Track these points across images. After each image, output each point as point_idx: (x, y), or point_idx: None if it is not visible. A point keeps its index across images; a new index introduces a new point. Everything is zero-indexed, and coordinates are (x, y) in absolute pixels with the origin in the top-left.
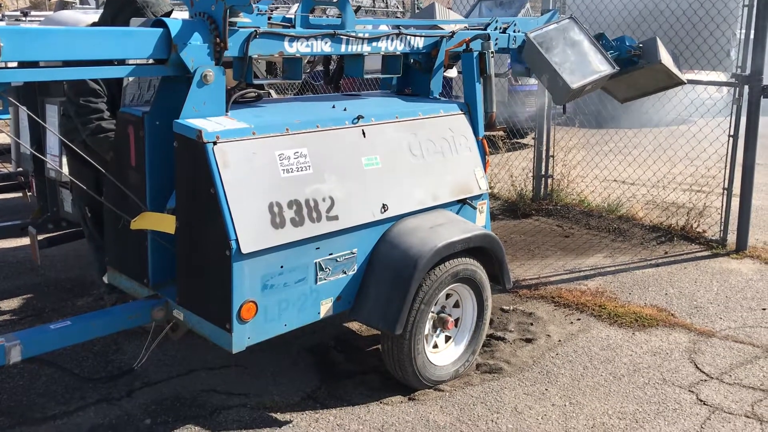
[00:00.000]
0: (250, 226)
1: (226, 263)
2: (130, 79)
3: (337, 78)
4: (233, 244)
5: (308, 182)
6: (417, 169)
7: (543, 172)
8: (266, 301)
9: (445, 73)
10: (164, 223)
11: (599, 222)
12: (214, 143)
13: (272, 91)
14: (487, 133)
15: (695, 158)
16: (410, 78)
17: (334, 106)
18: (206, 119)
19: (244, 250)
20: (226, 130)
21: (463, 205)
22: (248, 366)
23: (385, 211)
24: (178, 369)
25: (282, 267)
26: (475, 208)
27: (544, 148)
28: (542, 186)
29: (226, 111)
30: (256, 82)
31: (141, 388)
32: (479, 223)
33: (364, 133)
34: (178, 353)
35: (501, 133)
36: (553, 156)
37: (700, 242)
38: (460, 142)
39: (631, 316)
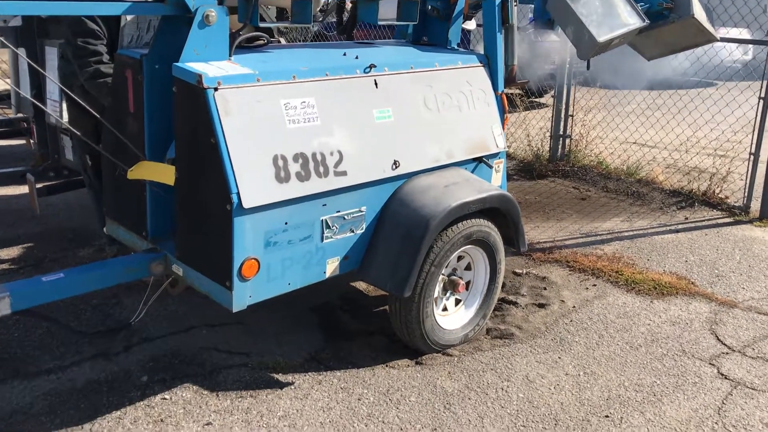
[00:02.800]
0: (252, 180)
1: (227, 218)
2: (128, 18)
3: (350, 28)
4: (234, 198)
5: (315, 134)
6: (431, 124)
7: (561, 132)
8: (269, 259)
9: (463, 25)
10: (163, 173)
11: (617, 185)
12: (216, 89)
13: (282, 40)
14: (507, 91)
15: (721, 121)
16: (427, 27)
17: (345, 54)
18: (208, 63)
19: (246, 204)
20: (229, 75)
21: (479, 163)
22: (250, 324)
23: (396, 167)
24: (177, 325)
25: (286, 223)
26: (491, 167)
27: (563, 107)
28: (560, 146)
29: (230, 55)
30: (262, 25)
31: (139, 344)
32: (495, 183)
33: (376, 84)
34: (178, 309)
35: (518, 91)
36: (572, 115)
37: (722, 208)
38: (478, 97)
39: (649, 284)
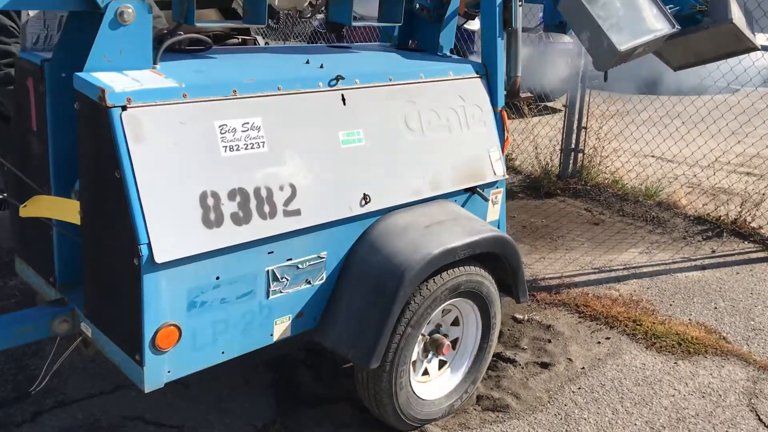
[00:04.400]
0: (170, 226)
1: (135, 275)
2: (31, 14)
3: (338, 25)
4: (144, 251)
5: (261, 164)
6: (414, 148)
7: (573, 146)
8: (195, 324)
9: (466, 25)
10: (64, 209)
11: (635, 208)
12: (123, 108)
13: (260, 38)
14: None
15: (750, 132)
16: (415, 28)
17: (308, 62)
18: (121, 73)
19: (160, 258)
20: (144, 90)
21: (471, 195)
22: (188, 383)
23: (366, 203)
24: (102, 384)
25: (218, 278)
26: (487, 200)
27: (576, 117)
28: (571, 162)
29: (155, 63)
30: (210, 26)
31: (51, 410)
32: (491, 218)
33: (344, 99)
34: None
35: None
36: (585, 128)
37: (755, 240)
38: (473, 114)
39: (672, 338)
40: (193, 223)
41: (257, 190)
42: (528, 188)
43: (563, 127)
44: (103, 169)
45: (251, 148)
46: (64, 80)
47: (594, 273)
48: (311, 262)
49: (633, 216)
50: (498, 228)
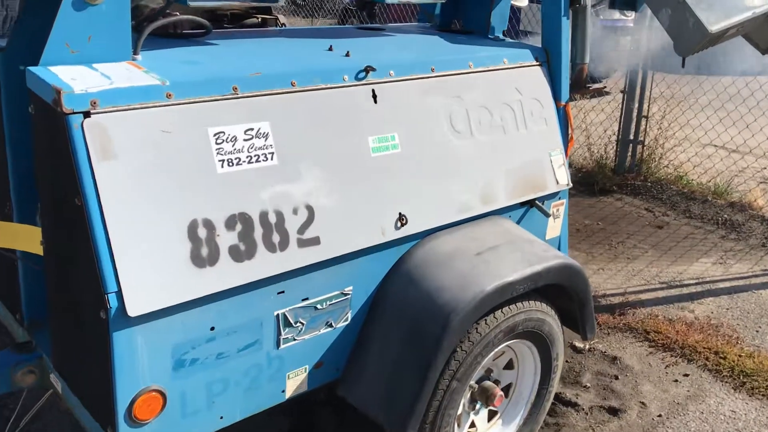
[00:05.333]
0: (148, 267)
1: (102, 332)
2: None
3: (369, 3)
4: (112, 302)
5: (269, 181)
6: (461, 154)
7: (632, 137)
8: (184, 386)
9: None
10: (24, 237)
11: (703, 209)
12: (86, 114)
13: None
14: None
15: None
16: (461, 5)
17: (330, 48)
18: (88, 67)
19: (134, 311)
20: (114, 89)
21: (529, 209)
22: None
23: (402, 225)
24: None
25: (213, 329)
26: (548, 215)
27: (636, 105)
28: (629, 154)
29: (135, 53)
30: (208, 3)
31: None
32: (551, 234)
33: (374, 96)
34: None
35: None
36: (646, 117)
37: None
38: (532, 110)
39: (765, 376)
40: (179, 262)
41: (264, 216)
42: (580, 183)
43: (620, 116)
44: (63, 192)
45: (256, 161)
46: (23, 75)
47: (662, 288)
48: (333, 301)
49: (702, 218)
50: (559, 247)
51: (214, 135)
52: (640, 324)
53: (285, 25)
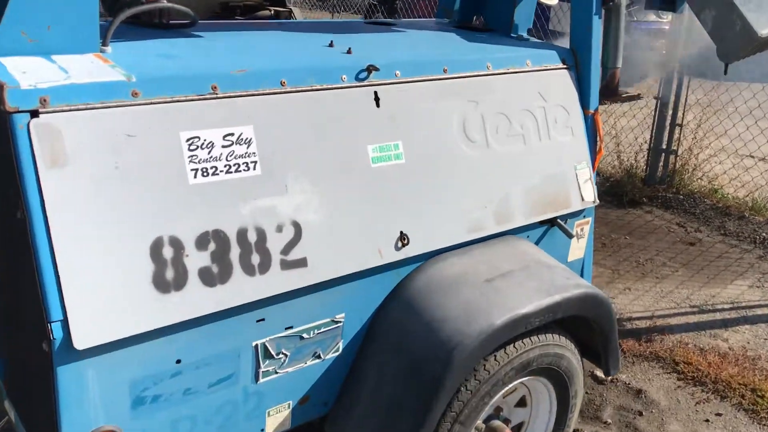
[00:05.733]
0: (101, 292)
1: (46, 365)
2: None
3: None
4: (56, 332)
5: (250, 194)
6: (474, 166)
7: (664, 146)
8: (144, 426)
9: None
10: None
11: (740, 226)
12: (34, 113)
13: (297, 10)
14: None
15: None
16: (482, 1)
17: (331, 44)
18: (46, 59)
19: (81, 343)
20: (69, 85)
21: (550, 228)
22: None
23: (404, 245)
24: None
25: (179, 362)
26: (571, 236)
27: (670, 113)
28: (660, 164)
29: (104, 43)
30: None
31: None
32: (573, 256)
33: (377, 99)
34: None
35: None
36: (681, 125)
37: None
38: (557, 118)
39: None
40: (140, 286)
41: (242, 234)
42: (608, 194)
43: (653, 123)
44: (7, 203)
45: (236, 170)
46: None
47: (693, 313)
48: (322, 330)
49: (737, 236)
50: (582, 270)
51: (187, 140)
52: (668, 353)
53: (292, 16)
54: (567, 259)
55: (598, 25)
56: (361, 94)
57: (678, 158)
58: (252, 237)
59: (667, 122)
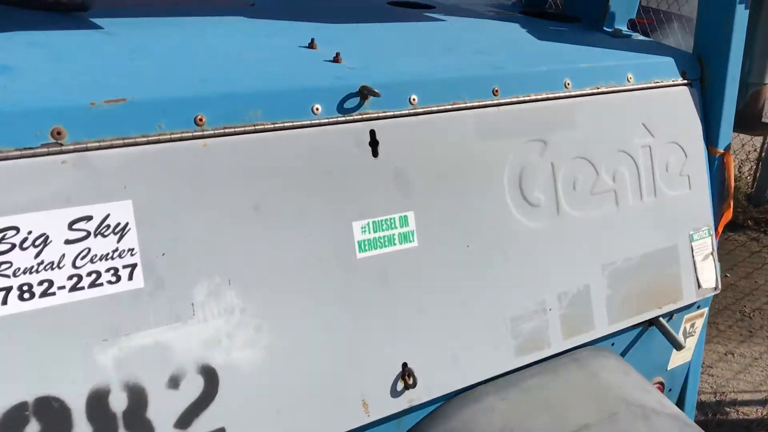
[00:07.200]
0: None
1: None
2: None
3: None
4: None
5: (119, 325)
6: (534, 243)
7: None
8: None
9: None
10: None
11: None
12: None
13: None
14: None
15: None
16: None
17: (311, 44)
18: None
19: None
20: None
21: (647, 329)
22: None
23: (407, 386)
24: None
25: None
26: (680, 347)
27: None
28: None
29: None
30: None
31: None
32: (677, 361)
33: (374, 143)
34: None
35: None
36: None
37: None
38: (669, 162)
39: None
40: None
41: (99, 398)
42: None
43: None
44: None
45: (95, 284)
46: None
47: None
48: None
49: None
50: (686, 378)
51: None
52: None
53: None
54: (667, 367)
55: (742, 20)
56: (345, 136)
57: None
58: (119, 402)
59: None
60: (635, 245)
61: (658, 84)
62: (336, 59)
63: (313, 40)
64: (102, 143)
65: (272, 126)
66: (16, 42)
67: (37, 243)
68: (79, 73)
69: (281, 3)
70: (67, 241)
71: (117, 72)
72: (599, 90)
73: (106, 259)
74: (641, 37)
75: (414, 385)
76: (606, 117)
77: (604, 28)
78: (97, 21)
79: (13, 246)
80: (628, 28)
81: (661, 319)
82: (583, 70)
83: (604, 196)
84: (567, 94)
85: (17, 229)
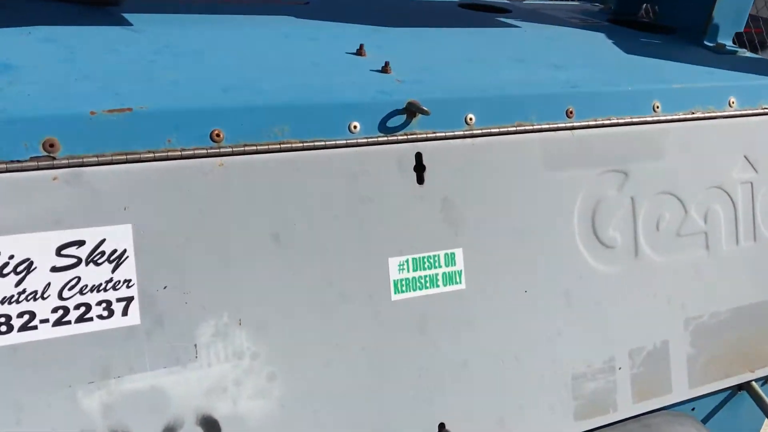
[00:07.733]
0: None
1: None
2: None
3: None
4: None
5: (110, 367)
6: (606, 291)
7: None
8: None
9: None
10: None
11: None
12: None
13: None
14: None
15: None
16: None
17: (360, 50)
18: None
19: None
20: None
21: (737, 392)
22: None
23: None
24: None
25: None
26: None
27: None
28: None
29: None
30: None
31: None
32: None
33: (420, 168)
34: None
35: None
36: None
37: None
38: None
39: None
40: None
41: None
42: None
43: None
44: None
45: (83, 319)
46: None
47: None
48: None
49: None
50: None
51: None
52: None
53: None
54: (759, 429)
55: None
56: (386, 158)
57: None
58: None
59: None
60: (727, 297)
61: (765, 110)
62: (385, 69)
63: (362, 45)
64: (101, 158)
65: (300, 145)
66: (33, 37)
67: (19, 270)
68: (87, 76)
69: (340, 2)
70: (54, 269)
71: (129, 76)
72: (694, 115)
73: (98, 291)
74: (748, 54)
75: None
76: (700, 147)
77: (705, 42)
78: (129, 16)
79: None
80: (733, 42)
81: (753, 383)
82: (676, 92)
83: (693, 238)
84: (655, 118)
85: None
